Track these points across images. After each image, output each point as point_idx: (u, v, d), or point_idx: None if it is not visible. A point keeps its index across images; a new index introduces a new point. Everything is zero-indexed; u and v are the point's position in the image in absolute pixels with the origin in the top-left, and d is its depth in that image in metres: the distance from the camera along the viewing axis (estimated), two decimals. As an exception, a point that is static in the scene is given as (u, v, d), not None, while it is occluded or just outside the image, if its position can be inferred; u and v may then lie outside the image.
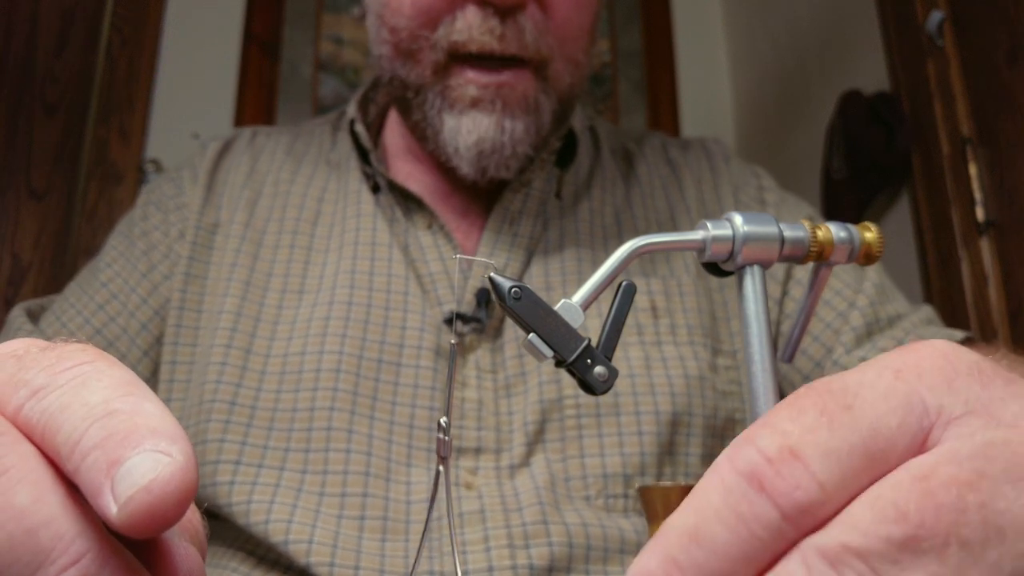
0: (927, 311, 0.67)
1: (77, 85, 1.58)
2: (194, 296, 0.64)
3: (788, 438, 0.20)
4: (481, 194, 0.67)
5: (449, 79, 0.60)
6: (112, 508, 0.19)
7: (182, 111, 1.66)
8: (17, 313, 0.64)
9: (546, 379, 0.59)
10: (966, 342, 0.63)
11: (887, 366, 0.21)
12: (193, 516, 0.25)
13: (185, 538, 0.23)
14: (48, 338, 0.61)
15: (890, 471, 0.20)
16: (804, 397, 0.21)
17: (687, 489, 0.24)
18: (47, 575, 0.19)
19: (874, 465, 0.20)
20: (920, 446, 0.20)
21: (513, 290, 0.28)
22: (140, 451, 0.20)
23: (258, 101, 1.73)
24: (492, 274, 0.28)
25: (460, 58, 0.60)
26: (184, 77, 1.69)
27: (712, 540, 0.19)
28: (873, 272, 0.67)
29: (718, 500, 0.20)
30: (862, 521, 0.19)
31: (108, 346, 0.63)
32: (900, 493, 0.19)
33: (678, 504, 0.25)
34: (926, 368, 0.21)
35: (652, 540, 0.20)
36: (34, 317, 0.65)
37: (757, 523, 0.19)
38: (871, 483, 0.20)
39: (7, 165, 1.48)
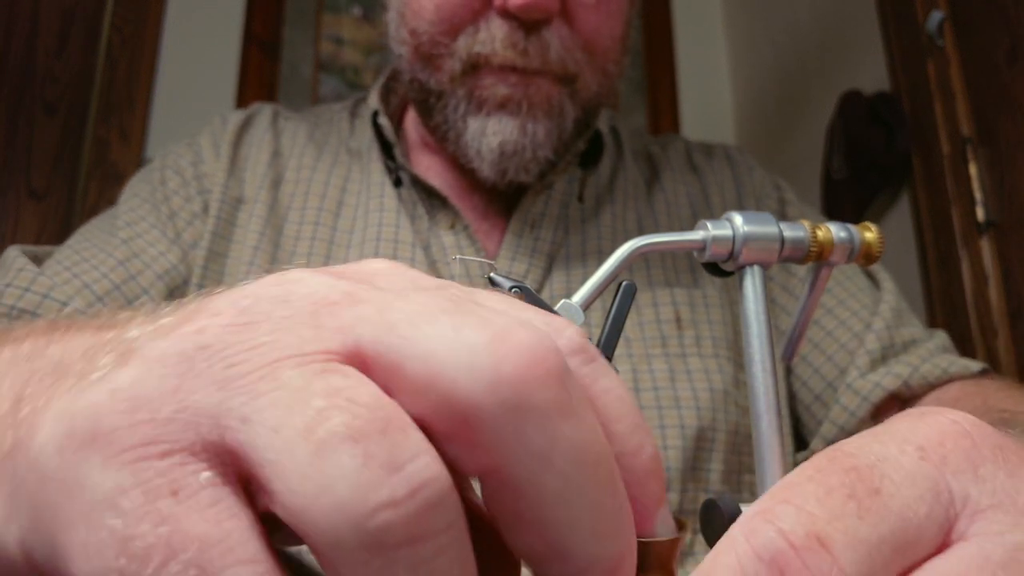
0: (942, 337, 0.66)
1: (77, 85, 1.57)
2: (214, 275, 0.62)
3: (815, 523, 0.18)
4: (501, 193, 0.66)
5: (476, 80, 0.59)
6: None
7: (182, 111, 1.65)
8: (15, 253, 0.59)
9: None
10: (983, 373, 0.63)
11: (909, 441, 0.20)
12: None
13: None
14: (56, 286, 0.57)
15: (916, 564, 0.19)
16: (829, 474, 0.19)
17: (675, 544, 0.23)
18: None
19: (902, 558, 0.18)
20: (946, 537, 0.19)
21: (513, 290, 0.28)
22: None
23: (258, 101, 1.72)
24: (492, 274, 0.28)
25: (481, 67, 0.58)
26: (184, 77, 1.69)
27: None
28: (890, 295, 0.66)
29: None
30: None
31: (127, 304, 0.59)
32: None
33: (670, 559, 0.23)
34: (950, 449, 0.20)
35: None
36: (34, 260, 0.60)
37: None
38: None
39: (7, 165, 1.48)
